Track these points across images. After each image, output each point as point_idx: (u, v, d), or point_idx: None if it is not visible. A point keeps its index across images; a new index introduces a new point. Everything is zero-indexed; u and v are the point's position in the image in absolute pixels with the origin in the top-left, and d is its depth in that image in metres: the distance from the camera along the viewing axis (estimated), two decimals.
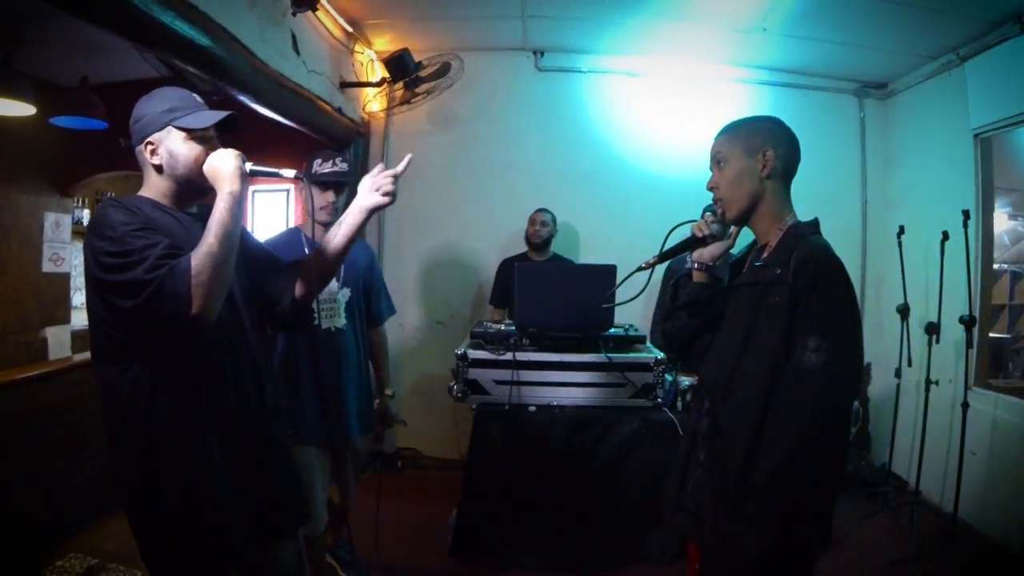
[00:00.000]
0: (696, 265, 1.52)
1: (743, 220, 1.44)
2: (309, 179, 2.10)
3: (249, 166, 1.33)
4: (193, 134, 1.34)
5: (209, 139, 1.37)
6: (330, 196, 2.22)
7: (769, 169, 1.38)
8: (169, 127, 1.34)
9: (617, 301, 1.69)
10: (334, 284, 2.25)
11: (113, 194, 5.32)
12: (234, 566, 1.34)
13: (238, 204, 1.27)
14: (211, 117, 1.35)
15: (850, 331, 1.29)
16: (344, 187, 2.28)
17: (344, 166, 2.28)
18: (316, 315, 2.06)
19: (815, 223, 1.42)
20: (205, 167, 1.32)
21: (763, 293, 1.35)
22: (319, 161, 2.24)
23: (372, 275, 2.46)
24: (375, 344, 2.50)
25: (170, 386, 1.27)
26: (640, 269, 1.48)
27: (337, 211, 2.20)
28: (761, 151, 1.38)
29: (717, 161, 1.44)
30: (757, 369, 1.32)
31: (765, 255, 1.40)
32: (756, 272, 1.40)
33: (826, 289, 1.27)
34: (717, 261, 1.52)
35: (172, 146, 1.34)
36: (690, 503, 1.45)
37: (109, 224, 1.21)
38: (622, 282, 1.63)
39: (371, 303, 2.45)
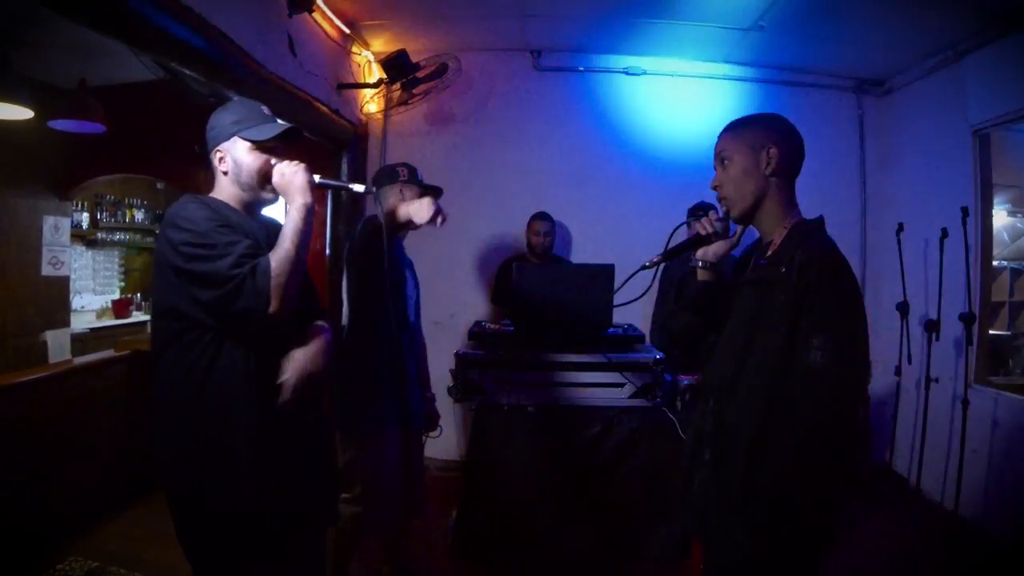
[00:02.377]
0: (700, 263, 1.51)
1: (748, 218, 1.43)
2: (420, 186, 2.38)
3: (317, 179, 1.43)
4: (258, 145, 1.45)
5: (272, 149, 1.48)
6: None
7: (773, 166, 1.37)
8: (235, 137, 1.46)
9: (621, 301, 1.68)
10: (410, 284, 2.37)
11: (113, 197, 5.32)
12: (267, 549, 1.39)
13: (311, 214, 1.38)
14: (274, 129, 1.46)
15: (855, 330, 1.28)
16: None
17: None
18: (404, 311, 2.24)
19: (820, 221, 1.40)
20: (275, 180, 1.43)
21: (767, 292, 1.33)
22: (414, 170, 2.40)
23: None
24: (420, 344, 2.54)
25: (225, 372, 1.34)
26: (644, 268, 1.48)
27: None
28: (765, 148, 1.37)
29: (721, 159, 1.43)
30: (762, 368, 1.31)
31: (769, 253, 1.39)
32: (760, 270, 1.39)
33: (831, 287, 1.26)
34: (721, 259, 1.51)
35: (238, 155, 1.46)
36: (695, 502, 1.44)
37: (189, 218, 1.32)
38: (627, 281, 1.61)
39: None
